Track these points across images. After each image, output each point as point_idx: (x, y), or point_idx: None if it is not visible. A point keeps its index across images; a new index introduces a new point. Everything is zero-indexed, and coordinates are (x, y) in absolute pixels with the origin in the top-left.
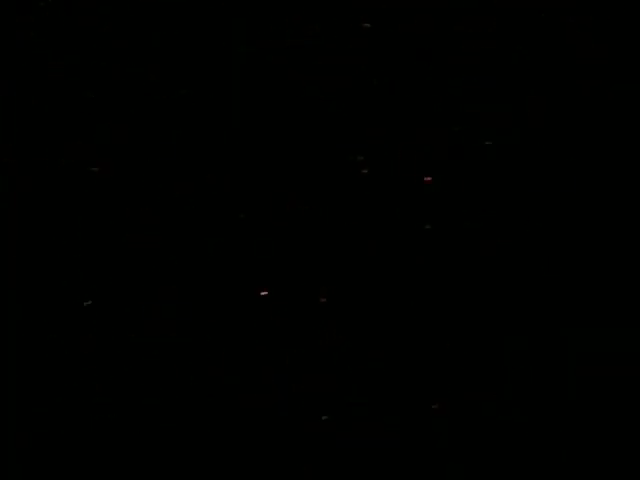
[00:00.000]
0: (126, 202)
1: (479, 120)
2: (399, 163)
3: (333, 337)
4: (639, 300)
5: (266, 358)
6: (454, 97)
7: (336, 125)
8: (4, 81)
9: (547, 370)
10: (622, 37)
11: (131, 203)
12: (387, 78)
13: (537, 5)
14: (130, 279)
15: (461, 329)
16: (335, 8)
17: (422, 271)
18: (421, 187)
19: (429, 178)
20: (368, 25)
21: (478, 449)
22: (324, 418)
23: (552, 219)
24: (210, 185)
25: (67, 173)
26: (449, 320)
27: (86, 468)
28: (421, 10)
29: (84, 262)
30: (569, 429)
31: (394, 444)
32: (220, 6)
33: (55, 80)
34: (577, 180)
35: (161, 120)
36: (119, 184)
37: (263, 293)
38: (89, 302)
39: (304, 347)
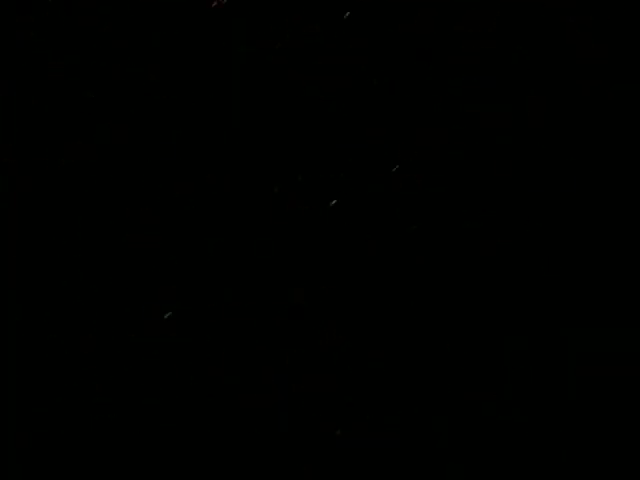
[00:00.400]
0: (126, 202)
1: (479, 120)
2: (399, 163)
3: (333, 337)
4: (639, 300)
5: (266, 358)
6: (454, 97)
7: (336, 125)
8: (4, 81)
9: (547, 370)
10: (622, 37)
11: (131, 203)
12: (387, 78)
13: (537, 5)
14: (130, 279)
15: (461, 329)
16: (335, 8)
17: (422, 271)
18: (421, 187)
19: (334, 201)
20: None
21: (478, 449)
22: (325, 419)
23: (552, 219)
24: (210, 185)
25: (67, 173)
26: (449, 320)
27: (86, 468)
28: (421, 10)
29: (84, 262)
30: (569, 429)
31: (394, 444)
32: (220, 6)
33: (55, 80)
34: (577, 180)
35: (161, 120)
36: (119, 184)
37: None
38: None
39: (304, 347)
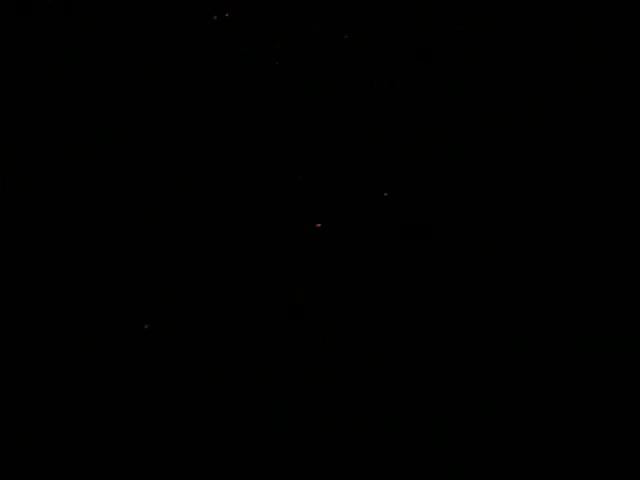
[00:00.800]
0: (126, 202)
1: (479, 120)
2: (399, 163)
3: (333, 337)
4: (639, 300)
5: (266, 358)
6: (454, 97)
7: (336, 125)
8: (4, 81)
9: (547, 370)
10: (622, 37)
11: (131, 203)
12: (387, 78)
13: (537, 5)
14: (130, 279)
15: (461, 329)
16: (335, 8)
17: (422, 271)
18: (421, 187)
19: (318, 225)
20: (346, 37)
21: (478, 449)
22: (325, 419)
23: (552, 219)
24: (210, 185)
25: (67, 173)
26: (449, 320)
27: (86, 468)
28: (421, 10)
29: (84, 262)
30: (569, 429)
31: (394, 444)
32: (220, 6)
33: (55, 80)
34: (577, 180)
35: (161, 120)
36: (119, 184)
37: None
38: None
39: (304, 347)
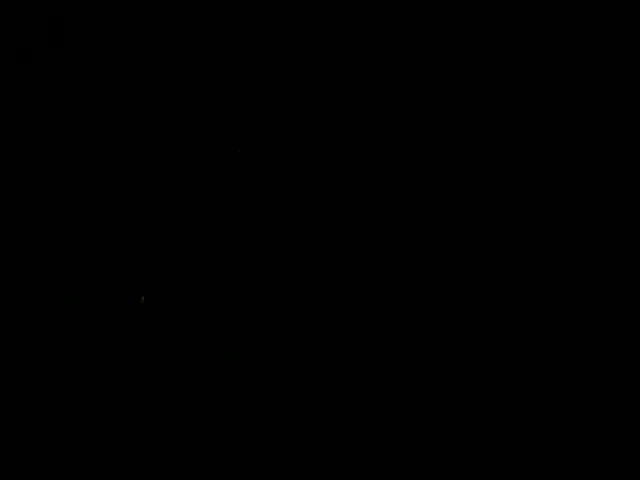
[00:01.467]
0: (126, 202)
1: (478, 120)
2: (397, 162)
3: (333, 337)
4: (639, 300)
5: (266, 358)
6: (454, 97)
7: (336, 125)
8: (4, 81)
9: (547, 370)
10: (622, 37)
11: (131, 203)
12: (385, 79)
13: (537, 5)
14: (130, 279)
15: (461, 329)
16: (334, 7)
17: (422, 271)
18: (421, 187)
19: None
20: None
21: (478, 449)
22: (322, 412)
23: (552, 219)
24: (210, 184)
25: (67, 173)
26: (449, 320)
27: (86, 468)
28: (420, 10)
29: (84, 262)
30: (569, 429)
31: (394, 444)
32: (220, 6)
33: (55, 80)
34: (577, 180)
35: (161, 120)
36: (119, 184)
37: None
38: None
39: (304, 347)
